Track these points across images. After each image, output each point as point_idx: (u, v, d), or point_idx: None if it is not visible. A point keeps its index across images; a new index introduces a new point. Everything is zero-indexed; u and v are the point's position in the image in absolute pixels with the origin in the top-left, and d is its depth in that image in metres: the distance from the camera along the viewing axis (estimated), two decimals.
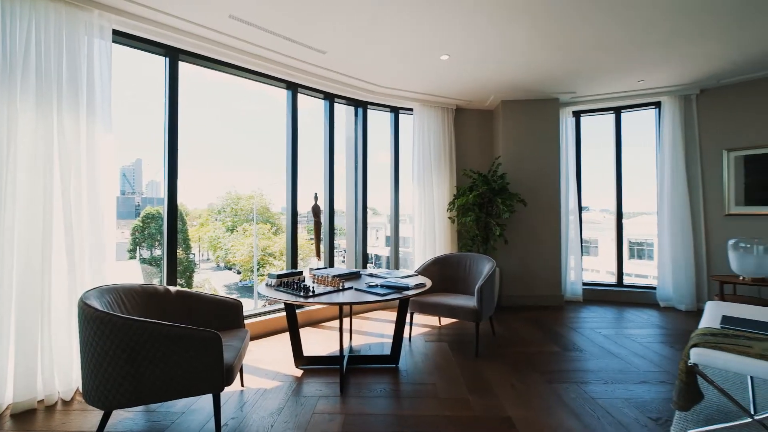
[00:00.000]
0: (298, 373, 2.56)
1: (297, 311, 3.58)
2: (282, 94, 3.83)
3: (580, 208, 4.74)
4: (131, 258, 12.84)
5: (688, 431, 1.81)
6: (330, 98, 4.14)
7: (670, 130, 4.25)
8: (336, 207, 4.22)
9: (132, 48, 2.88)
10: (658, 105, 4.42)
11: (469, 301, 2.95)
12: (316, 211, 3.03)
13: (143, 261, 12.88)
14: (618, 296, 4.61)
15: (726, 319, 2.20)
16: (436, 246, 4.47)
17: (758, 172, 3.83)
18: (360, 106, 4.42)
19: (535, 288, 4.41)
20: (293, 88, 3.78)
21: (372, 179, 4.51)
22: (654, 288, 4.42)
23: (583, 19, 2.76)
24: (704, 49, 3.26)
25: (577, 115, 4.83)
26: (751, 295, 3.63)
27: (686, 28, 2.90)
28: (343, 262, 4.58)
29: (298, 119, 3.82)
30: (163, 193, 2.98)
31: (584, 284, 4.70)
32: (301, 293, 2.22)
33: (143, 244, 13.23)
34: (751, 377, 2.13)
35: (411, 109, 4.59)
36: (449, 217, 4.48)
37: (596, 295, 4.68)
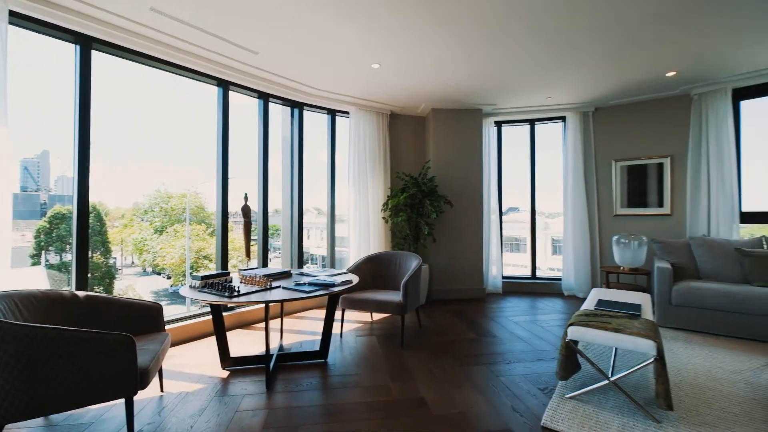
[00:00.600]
0: (225, 374, 2.55)
1: (227, 313, 3.53)
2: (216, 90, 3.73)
3: (501, 209, 5.24)
4: (35, 264, 11.26)
5: (565, 396, 2.17)
6: (264, 97, 4.10)
7: (572, 142, 4.89)
8: (277, 207, 4.19)
9: (37, 33, 2.63)
10: (563, 119, 5.05)
11: (396, 296, 3.15)
12: (246, 211, 3.01)
13: (50, 267, 11.37)
14: (532, 288, 5.18)
15: (600, 302, 2.64)
16: (371, 245, 4.65)
17: (637, 179, 4.58)
18: (296, 106, 4.44)
19: (461, 282, 4.79)
20: (224, 85, 3.70)
21: (316, 179, 4.56)
22: (560, 279, 5.05)
23: (497, 43, 3.11)
24: (593, 75, 3.83)
25: (498, 124, 5.33)
26: (629, 282, 4.34)
27: (577, 57, 3.40)
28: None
29: (229, 117, 3.74)
30: (72, 189, 2.76)
31: (504, 278, 5.20)
32: (226, 293, 2.23)
33: (50, 248, 11.67)
34: (615, 348, 2.59)
35: (347, 112, 4.72)
36: (383, 217, 4.69)
37: (514, 288, 5.21)
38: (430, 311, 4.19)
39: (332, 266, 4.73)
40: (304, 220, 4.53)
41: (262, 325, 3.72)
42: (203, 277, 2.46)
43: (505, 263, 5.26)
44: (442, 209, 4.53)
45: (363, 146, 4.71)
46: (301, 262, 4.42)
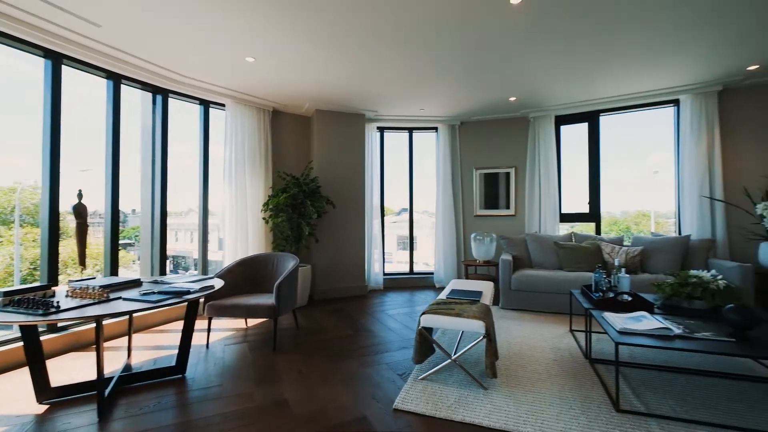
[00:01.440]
0: (41, 409, 2.10)
1: (55, 335, 2.92)
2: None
3: (383, 210, 5.55)
4: None
5: (418, 378, 2.42)
6: (115, 78, 3.52)
7: (443, 150, 5.48)
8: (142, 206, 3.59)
9: None
10: (436, 129, 5.63)
11: (270, 299, 3.06)
12: (79, 211, 2.54)
13: None
14: (411, 282, 5.63)
15: (453, 292, 3.02)
16: (249, 247, 4.41)
17: (492, 185, 5.40)
18: (159, 93, 3.93)
19: (343, 281, 4.92)
20: (55, 57, 3.05)
21: (189, 176, 4.08)
22: (433, 273, 5.61)
23: (372, 54, 3.28)
24: (456, 94, 4.38)
25: (381, 130, 5.64)
26: (484, 273, 5.09)
27: (442, 77, 3.83)
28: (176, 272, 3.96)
29: (61, 96, 3.10)
30: None
31: (385, 274, 5.53)
32: (40, 310, 1.84)
33: None
34: (462, 331, 3.00)
35: (223, 105, 4.38)
36: (263, 218, 4.50)
37: (395, 283, 5.58)
38: (310, 312, 4.19)
39: (204, 271, 4.33)
40: (187, 222, 4.05)
41: (111, 343, 3.19)
42: (7, 293, 1.98)
43: (397, 260, 5.59)
44: (325, 210, 4.58)
45: (241, 142, 4.44)
46: (163, 269, 3.92)
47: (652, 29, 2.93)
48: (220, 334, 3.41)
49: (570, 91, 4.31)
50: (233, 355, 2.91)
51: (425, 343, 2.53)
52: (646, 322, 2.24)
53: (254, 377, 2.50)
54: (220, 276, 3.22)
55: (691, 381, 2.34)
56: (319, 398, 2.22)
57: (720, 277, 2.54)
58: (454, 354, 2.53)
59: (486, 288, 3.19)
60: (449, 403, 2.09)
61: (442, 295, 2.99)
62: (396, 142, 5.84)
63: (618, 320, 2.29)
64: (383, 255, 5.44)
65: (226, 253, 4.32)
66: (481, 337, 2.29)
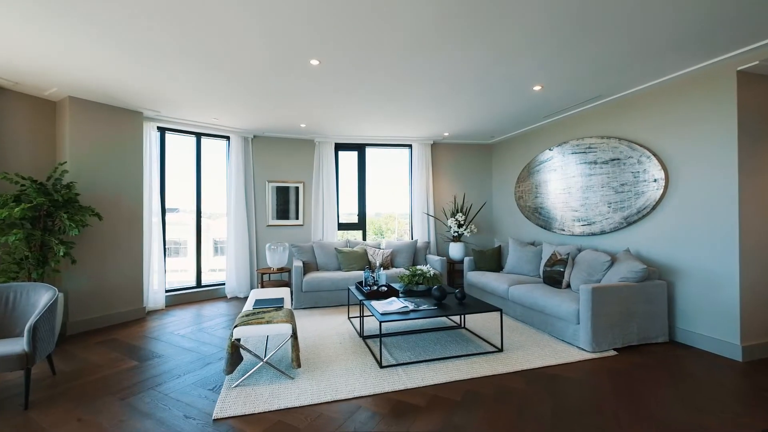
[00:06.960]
0: None
1: None
2: None
3: (164, 219, 5.00)
4: None
5: (232, 386, 2.64)
6: None
7: (236, 160, 5.53)
8: None
9: None
10: (228, 138, 5.58)
11: (16, 345, 2.38)
12: None
13: None
14: (198, 296, 5.34)
15: (257, 302, 3.34)
16: None
17: (283, 197, 5.92)
18: None
19: (112, 306, 4.16)
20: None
21: None
22: (224, 284, 5.55)
23: (151, 54, 3.09)
24: (249, 112, 4.61)
25: (162, 130, 5.04)
26: (278, 279, 5.56)
27: (234, 95, 4.01)
28: None
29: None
30: None
31: (167, 291, 5.01)
32: None
33: None
34: (268, 335, 3.39)
35: None
36: None
37: (180, 300, 5.14)
38: (67, 351, 3.37)
39: None
40: None
41: None
42: None
43: (166, 269, 5.06)
44: (86, 223, 3.74)
45: None
46: None
47: (394, 103, 4.28)
48: None
49: (346, 127, 5.42)
50: None
51: (236, 353, 2.77)
52: (396, 303, 3.38)
53: None
54: None
55: (419, 337, 3.69)
56: None
57: (430, 268, 4.09)
58: (265, 356, 2.87)
59: (285, 294, 3.69)
60: (265, 398, 2.47)
61: (248, 306, 3.26)
62: (179, 143, 5.37)
63: (379, 306, 3.33)
64: (165, 272, 4.90)
65: None
66: (289, 337, 2.78)
